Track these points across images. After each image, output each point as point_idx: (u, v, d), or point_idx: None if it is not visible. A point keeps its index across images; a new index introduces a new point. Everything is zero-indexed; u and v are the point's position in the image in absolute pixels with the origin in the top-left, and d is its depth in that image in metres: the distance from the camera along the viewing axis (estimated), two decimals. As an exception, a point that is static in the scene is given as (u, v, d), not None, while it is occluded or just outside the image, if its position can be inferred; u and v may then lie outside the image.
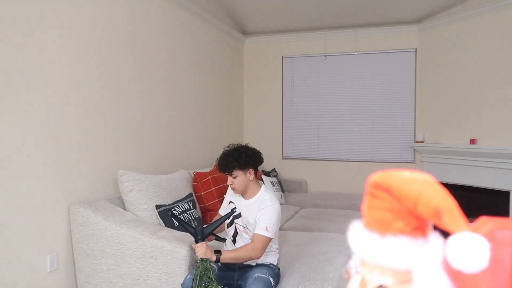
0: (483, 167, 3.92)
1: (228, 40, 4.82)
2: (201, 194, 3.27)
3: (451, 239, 0.51)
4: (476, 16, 4.01)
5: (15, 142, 2.13)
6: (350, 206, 4.24)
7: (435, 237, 0.57)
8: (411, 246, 0.55)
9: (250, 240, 2.11)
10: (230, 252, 2.05)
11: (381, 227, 0.56)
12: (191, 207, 2.92)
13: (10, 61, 2.09)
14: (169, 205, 2.73)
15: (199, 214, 3.21)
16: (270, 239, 2.05)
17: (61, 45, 2.40)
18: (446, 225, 0.51)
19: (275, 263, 2.22)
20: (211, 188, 3.33)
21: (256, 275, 2.02)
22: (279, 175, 5.02)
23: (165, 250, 2.26)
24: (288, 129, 5.22)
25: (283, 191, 4.63)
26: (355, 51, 4.90)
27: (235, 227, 2.20)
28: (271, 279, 2.03)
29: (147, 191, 2.67)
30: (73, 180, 2.49)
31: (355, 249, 0.59)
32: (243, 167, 2.13)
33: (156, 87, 3.35)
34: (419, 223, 0.55)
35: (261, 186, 2.21)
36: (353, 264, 0.60)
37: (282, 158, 5.25)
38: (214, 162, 4.18)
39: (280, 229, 3.44)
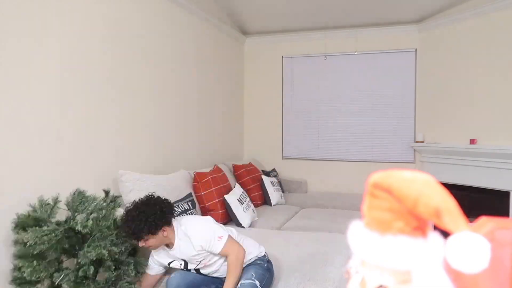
0: (483, 167, 3.92)
1: (228, 40, 4.82)
2: (201, 194, 3.27)
3: (451, 239, 0.51)
4: (476, 16, 4.01)
5: (15, 142, 2.13)
6: (350, 206, 4.24)
7: (435, 237, 0.57)
8: (411, 246, 0.55)
9: (218, 262, 2.08)
10: (230, 283, 1.97)
11: (381, 227, 0.56)
12: (191, 207, 2.92)
13: (11, 60, 2.09)
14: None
15: (199, 214, 3.21)
16: (230, 238, 2.02)
17: (63, 44, 2.40)
18: (446, 225, 0.51)
19: (261, 255, 2.17)
20: (211, 188, 3.33)
21: (240, 283, 1.99)
22: (279, 175, 5.02)
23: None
24: (288, 129, 5.22)
25: (283, 191, 4.63)
26: (355, 51, 4.90)
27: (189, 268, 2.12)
28: (257, 282, 1.98)
29: (147, 191, 2.66)
30: (73, 180, 2.49)
31: (355, 249, 0.59)
32: (156, 230, 1.93)
33: (156, 87, 3.35)
34: (419, 223, 0.55)
35: (173, 230, 2.03)
36: (353, 264, 0.60)
37: (282, 158, 5.25)
38: (214, 163, 4.20)
39: (280, 229, 3.44)
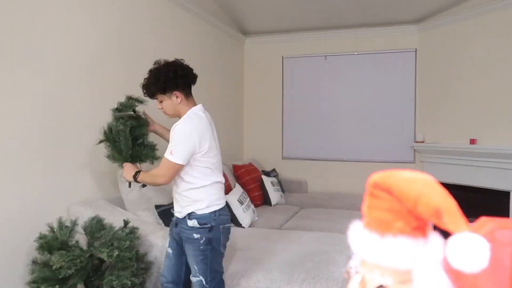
0: (483, 167, 3.92)
1: (228, 40, 4.82)
2: (201, 194, 3.26)
3: (451, 239, 0.51)
4: (476, 16, 4.01)
5: (15, 142, 2.13)
6: (350, 206, 4.24)
7: (435, 237, 0.57)
8: (411, 246, 0.55)
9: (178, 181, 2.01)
10: (143, 174, 1.98)
11: (381, 227, 0.56)
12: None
13: (11, 60, 2.09)
14: (168, 205, 2.73)
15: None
16: (176, 165, 1.86)
17: (61, 44, 2.40)
18: (446, 225, 0.51)
19: (209, 211, 1.93)
20: (211, 188, 3.33)
21: (184, 236, 1.95)
22: (279, 175, 5.02)
23: (165, 249, 2.26)
24: (288, 129, 5.22)
25: (283, 191, 4.63)
26: (355, 51, 4.90)
27: None
28: (202, 279, 1.92)
29: (147, 191, 2.67)
30: (73, 180, 2.49)
31: (355, 249, 0.59)
32: (164, 90, 1.94)
33: (156, 87, 3.35)
34: (419, 223, 0.55)
35: (194, 106, 2.01)
36: (353, 264, 0.60)
37: (282, 158, 5.25)
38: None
39: (280, 229, 3.44)
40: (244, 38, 5.24)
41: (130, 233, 2.16)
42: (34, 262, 2.02)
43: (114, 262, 2.02)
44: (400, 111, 4.79)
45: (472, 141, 4.00)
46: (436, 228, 0.57)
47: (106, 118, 2.77)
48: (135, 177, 1.99)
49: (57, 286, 1.92)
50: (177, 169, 1.89)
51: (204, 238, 1.91)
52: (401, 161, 4.77)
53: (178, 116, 2.00)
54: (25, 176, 2.18)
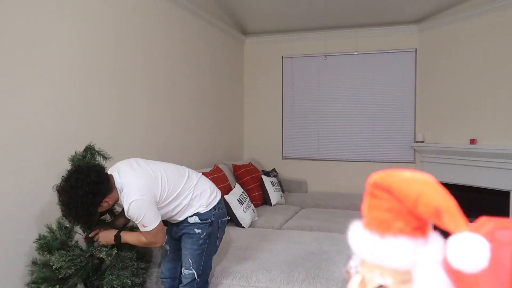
0: (483, 167, 3.92)
1: (228, 40, 4.82)
2: (201, 194, 3.26)
3: (451, 239, 0.51)
4: (476, 16, 4.01)
5: (15, 142, 2.13)
6: (350, 206, 4.24)
7: (435, 237, 0.57)
8: (411, 246, 0.55)
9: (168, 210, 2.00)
10: (129, 236, 1.96)
11: (381, 227, 0.56)
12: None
13: (12, 59, 2.09)
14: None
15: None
16: (155, 229, 1.86)
17: (60, 44, 2.40)
18: (446, 225, 0.51)
19: (207, 209, 2.00)
20: (211, 188, 3.33)
21: (182, 270, 2.04)
22: (279, 175, 5.02)
23: (165, 249, 2.26)
24: (288, 129, 5.22)
25: (283, 191, 4.63)
26: (355, 51, 4.90)
27: None
28: (195, 273, 1.99)
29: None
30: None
31: (355, 249, 0.59)
32: (95, 214, 1.87)
33: (155, 87, 3.35)
34: (419, 223, 0.55)
35: (118, 188, 1.85)
36: (353, 264, 0.60)
37: (282, 158, 5.25)
38: (214, 162, 4.20)
39: (280, 228, 3.44)
40: (244, 38, 5.24)
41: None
42: (34, 262, 2.02)
43: (114, 262, 2.02)
44: (400, 111, 4.79)
45: (472, 141, 4.00)
46: (436, 228, 0.57)
47: (106, 118, 2.78)
48: (117, 238, 1.96)
49: (57, 286, 1.92)
50: (160, 227, 1.89)
51: (204, 233, 2.00)
52: (401, 161, 4.77)
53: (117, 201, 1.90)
54: (24, 176, 2.18)
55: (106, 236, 1.99)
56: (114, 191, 1.84)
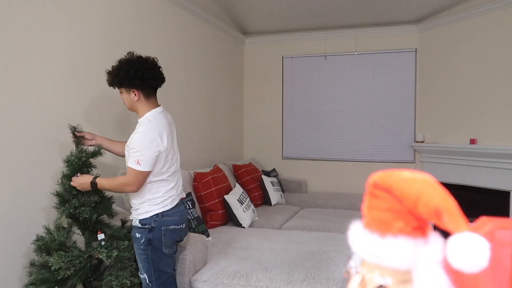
0: (483, 167, 3.92)
1: (228, 40, 4.82)
2: (201, 194, 3.27)
3: (451, 239, 0.51)
4: (476, 16, 4.01)
5: (13, 143, 2.13)
6: (350, 206, 4.24)
7: (435, 237, 0.57)
8: (411, 246, 0.55)
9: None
10: (105, 180, 1.93)
11: (381, 227, 0.56)
12: (191, 207, 2.93)
13: (11, 59, 2.09)
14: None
15: (199, 213, 3.21)
16: (145, 173, 1.85)
17: (58, 43, 2.40)
18: (446, 225, 0.51)
19: (142, 215, 1.92)
20: (211, 188, 3.33)
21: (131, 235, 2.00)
22: (279, 175, 5.02)
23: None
24: (288, 129, 5.22)
25: (283, 191, 4.63)
26: (355, 51, 4.90)
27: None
28: (146, 277, 1.93)
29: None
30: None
31: (355, 249, 0.59)
32: (122, 85, 1.93)
33: (156, 87, 3.35)
34: (419, 223, 0.55)
35: (152, 109, 1.96)
36: (353, 264, 0.60)
37: (282, 158, 5.25)
38: (214, 162, 4.20)
39: (280, 228, 3.44)
40: (244, 38, 5.24)
41: (129, 232, 2.16)
42: (32, 264, 2.01)
43: (113, 262, 2.02)
44: (400, 111, 4.79)
45: (472, 141, 4.01)
46: (436, 228, 0.57)
47: (105, 118, 2.78)
48: (93, 184, 1.92)
49: (56, 287, 1.92)
50: (145, 176, 1.88)
51: (144, 238, 1.92)
52: (401, 161, 4.77)
53: (136, 111, 1.99)
54: (21, 177, 2.18)
55: (83, 183, 1.94)
56: (146, 101, 1.95)
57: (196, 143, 4.03)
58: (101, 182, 1.94)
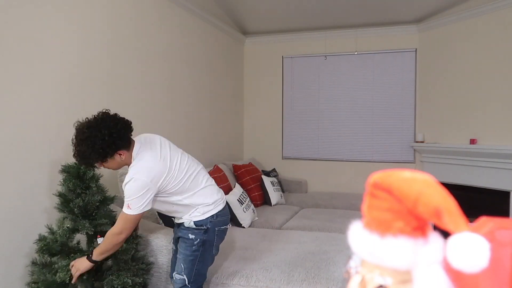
0: (483, 167, 3.92)
1: (228, 40, 4.82)
2: (201, 194, 3.27)
3: (451, 239, 0.51)
4: (476, 16, 4.01)
5: (15, 141, 2.13)
6: (350, 206, 4.24)
7: (435, 237, 0.57)
8: (411, 246, 0.55)
9: (168, 203, 1.96)
10: (97, 248, 1.89)
11: (381, 227, 0.56)
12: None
13: (11, 60, 2.09)
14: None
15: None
16: (134, 217, 1.80)
17: (58, 44, 2.40)
18: (446, 225, 0.51)
19: (203, 217, 1.94)
20: (211, 188, 3.33)
21: (173, 274, 1.99)
22: (279, 175, 5.02)
23: (165, 249, 2.26)
24: (288, 129, 5.22)
25: (283, 191, 4.63)
26: (355, 51, 4.90)
27: None
28: (186, 279, 1.94)
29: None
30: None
31: (355, 249, 0.59)
32: (106, 158, 1.77)
33: (155, 87, 3.35)
34: (419, 223, 0.55)
35: (132, 151, 1.83)
36: (353, 264, 0.60)
37: (282, 158, 5.25)
38: (214, 163, 4.20)
39: (280, 228, 3.44)
40: (244, 38, 5.24)
41: (133, 238, 2.16)
42: (34, 263, 2.01)
43: (114, 266, 2.03)
44: (400, 111, 4.79)
45: (472, 141, 4.00)
46: (436, 228, 0.57)
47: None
48: (91, 260, 1.90)
49: None
50: (137, 219, 1.84)
51: (198, 239, 1.93)
52: (401, 161, 4.77)
53: (122, 166, 1.89)
54: (24, 176, 2.18)
55: (81, 264, 1.90)
56: (130, 152, 1.83)
57: (196, 143, 4.03)
58: (97, 251, 1.89)
